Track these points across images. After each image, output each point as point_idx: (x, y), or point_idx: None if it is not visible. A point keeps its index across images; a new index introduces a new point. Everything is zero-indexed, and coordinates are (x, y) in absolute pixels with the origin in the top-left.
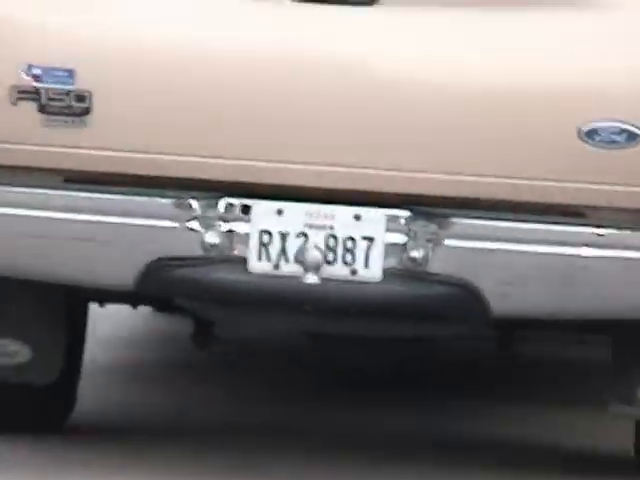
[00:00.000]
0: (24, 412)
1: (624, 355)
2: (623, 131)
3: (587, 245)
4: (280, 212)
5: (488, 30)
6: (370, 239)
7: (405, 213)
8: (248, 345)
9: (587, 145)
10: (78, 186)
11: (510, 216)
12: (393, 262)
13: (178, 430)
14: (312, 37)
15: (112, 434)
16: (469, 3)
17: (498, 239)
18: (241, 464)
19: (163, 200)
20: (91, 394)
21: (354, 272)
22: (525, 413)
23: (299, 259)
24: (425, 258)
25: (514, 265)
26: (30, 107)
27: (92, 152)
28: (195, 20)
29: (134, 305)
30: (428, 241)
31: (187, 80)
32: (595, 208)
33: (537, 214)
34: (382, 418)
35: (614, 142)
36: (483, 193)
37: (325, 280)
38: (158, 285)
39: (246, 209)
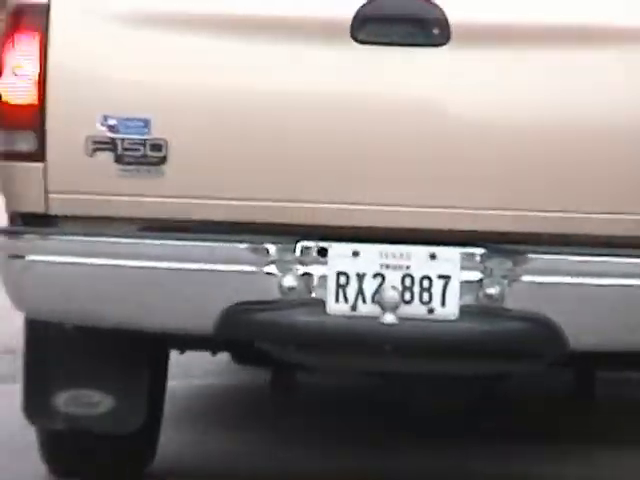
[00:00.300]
0: (105, 460)
1: None
2: None
3: None
4: (356, 254)
5: (561, 68)
6: (446, 277)
7: (480, 250)
8: (324, 388)
9: None
10: (154, 234)
11: (585, 250)
12: (469, 299)
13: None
14: (379, 79)
15: None
16: (537, 41)
17: (574, 274)
18: None
19: (240, 245)
20: (168, 442)
21: (431, 311)
22: (604, 455)
23: (376, 299)
24: (501, 294)
25: (591, 298)
26: (106, 158)
27: (168, 200)
28: (265, 68)
29: (213, 352)
30: (504, 277)
31: (261, 127)
32: None
33: (612, 248)
34: (458, 459)
35: None
36: (558, 229)
37: (403, 319)
38: (237, 329)
39: (323, 252)
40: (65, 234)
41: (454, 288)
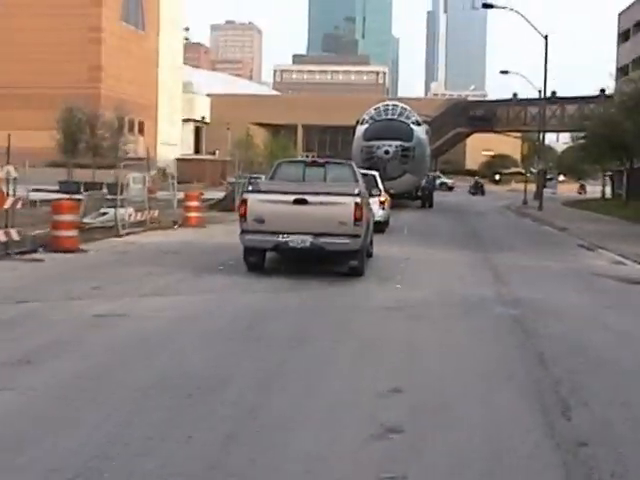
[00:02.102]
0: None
1: None
2: (343, 223)
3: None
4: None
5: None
6: (310, 241)
7: (311, 237)
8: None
9: (341, 226)
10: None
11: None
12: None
13: None
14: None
15: None
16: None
17: (333, 243)
18: None
19: (277, 236)
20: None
21: (312, 243)
22: None
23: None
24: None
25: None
26: (255, 222)
27: (265, 229)
28: (285, 206)
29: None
30: (309, 240)
31: (287, 212)
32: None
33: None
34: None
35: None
36: (325, 231)
37: (304, 246)
38: (272, 247)
39: (287, 235)
40: (246, 233)
41: (308, 243)
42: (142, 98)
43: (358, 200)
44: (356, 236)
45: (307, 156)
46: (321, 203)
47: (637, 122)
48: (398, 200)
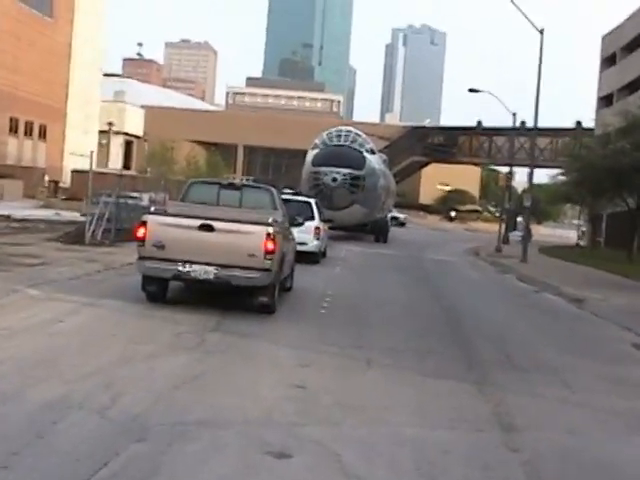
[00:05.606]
0: (158, 291)
1: None
2: (252, 255)
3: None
4: (200, 266)
5: (234, 235)
6: (213, 272)
7: (215, 268)
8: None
9: (250, 258)
10: (161, 261)
11: (246, 271)
12: (216, 276)
13: None
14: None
15: None
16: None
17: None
18: None
19: (174, 266)
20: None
21: (216, 276)
22: None
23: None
24: (222, 274)
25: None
26: (153, 247)
27: (164, 256)
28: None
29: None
30: (222, 273)
31: (189, 242)
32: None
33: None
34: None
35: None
36: (239, 264)
37: (214, 278)
38: (175, 277)
39: (190, 265)
40: (144, 260)
41: (212, 275)
42: (47, 98)
43: (270, 230)
44: (267, 270)
45: (247, 179)
46: (229, 231)
47: None
48: (350, 232)
